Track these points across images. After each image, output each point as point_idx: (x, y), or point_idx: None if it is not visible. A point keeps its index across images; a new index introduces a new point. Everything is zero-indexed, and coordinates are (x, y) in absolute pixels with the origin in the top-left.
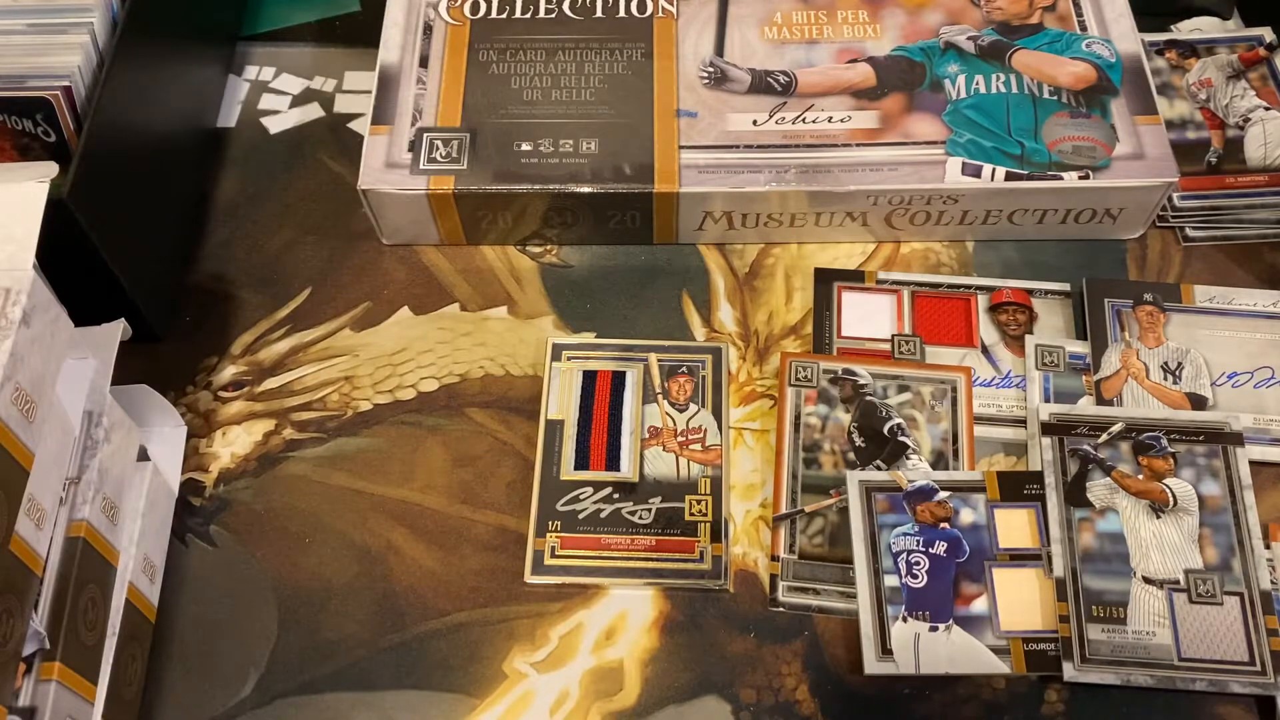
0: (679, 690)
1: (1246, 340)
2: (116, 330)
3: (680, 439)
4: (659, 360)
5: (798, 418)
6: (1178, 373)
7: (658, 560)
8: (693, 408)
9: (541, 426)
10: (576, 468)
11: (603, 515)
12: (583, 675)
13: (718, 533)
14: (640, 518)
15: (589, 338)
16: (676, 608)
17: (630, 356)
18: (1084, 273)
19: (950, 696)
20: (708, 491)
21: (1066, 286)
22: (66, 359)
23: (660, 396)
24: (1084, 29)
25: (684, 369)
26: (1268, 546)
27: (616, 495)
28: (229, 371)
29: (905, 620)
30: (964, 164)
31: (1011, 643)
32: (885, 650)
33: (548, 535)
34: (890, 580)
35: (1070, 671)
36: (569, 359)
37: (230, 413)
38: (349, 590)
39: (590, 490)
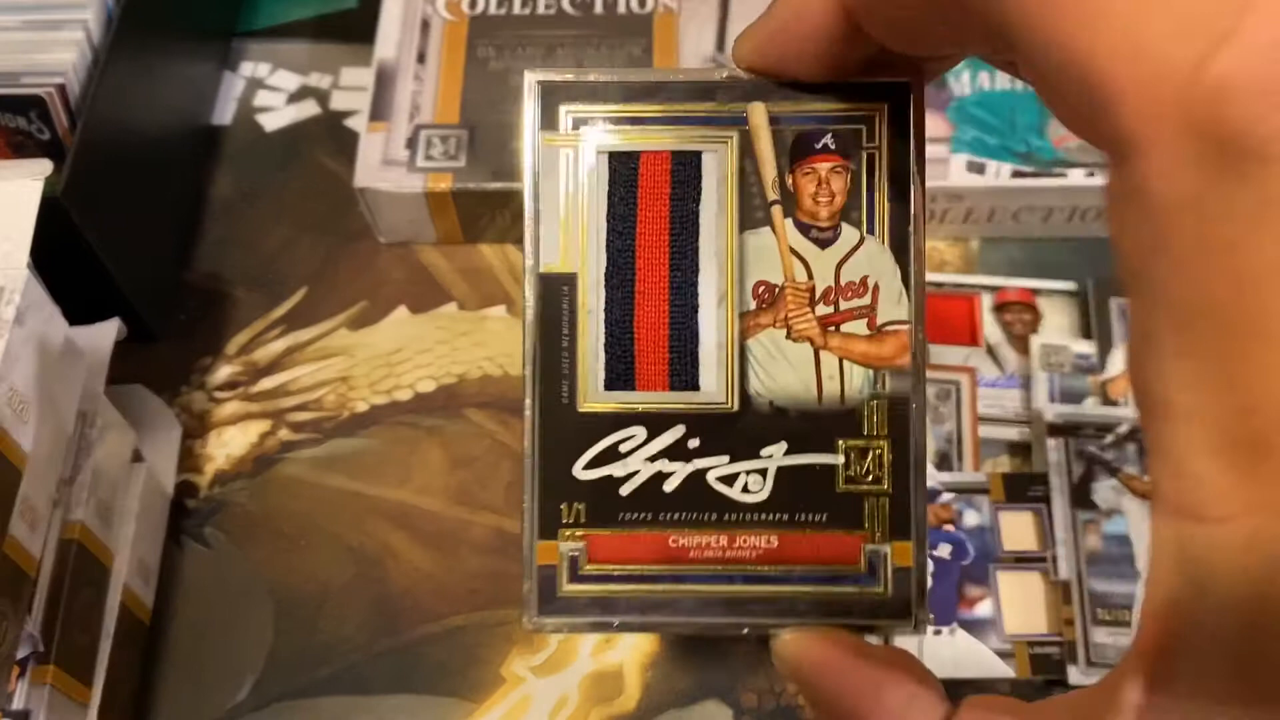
0: (679, 695)
1: None
2: (111, 330)
3: (826, 308)
4: (773, 116)
5: None
6: None
7: (782, 579)
8: (847, 232)
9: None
10: (609, 387)
11: (668, 487)
12: (582, 679)
13: (903, 519)
14: (747, 488)
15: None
16: None
17: (713, 116)
18: (1090, 271)
19: (954, 700)
20: (883, 430)
21: (1073, 285)
22: (60, 359)
23: (777, 208)
24: None
25: (830, 139)
26: None
27: (694, 443)
28: (224, 372)
29: None
30: (968, 161)
31: (1016, 646)
32: None
33: (560, 536)
34: None
35: (1075, 675)
36: (572, 116)
37: (225, 413)
38: (345, 593)
39: (637, 435)
